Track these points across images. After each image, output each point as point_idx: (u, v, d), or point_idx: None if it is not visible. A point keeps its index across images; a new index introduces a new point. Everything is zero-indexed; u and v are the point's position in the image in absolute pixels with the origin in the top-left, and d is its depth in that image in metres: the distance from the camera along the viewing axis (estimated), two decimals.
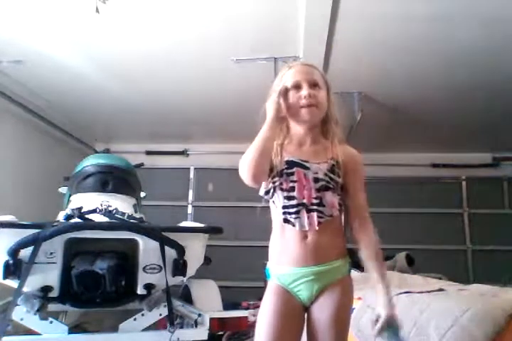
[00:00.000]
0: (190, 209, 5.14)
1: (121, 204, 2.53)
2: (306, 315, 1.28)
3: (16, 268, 1.86)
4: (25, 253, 1.87)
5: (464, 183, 5.14)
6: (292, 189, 1.28)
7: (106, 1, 2.25)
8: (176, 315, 2.41)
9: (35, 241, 1.87)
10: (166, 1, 2.43)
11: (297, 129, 1.35)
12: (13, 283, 1.90)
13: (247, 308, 3.51)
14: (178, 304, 2.48)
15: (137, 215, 2.57)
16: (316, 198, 1.26)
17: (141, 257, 2.09)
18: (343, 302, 1.26)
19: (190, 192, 5.19)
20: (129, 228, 2.09)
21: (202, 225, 2.41)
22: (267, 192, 1.34)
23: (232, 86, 3.54)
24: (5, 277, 1.87)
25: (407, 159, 4.99)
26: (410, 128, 4.26)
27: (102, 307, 2.27)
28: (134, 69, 3.28)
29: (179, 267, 2.09)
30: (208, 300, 2.61)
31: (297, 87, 1.31)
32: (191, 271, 2.18)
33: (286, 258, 1.29)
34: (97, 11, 2.23)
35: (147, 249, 2.08)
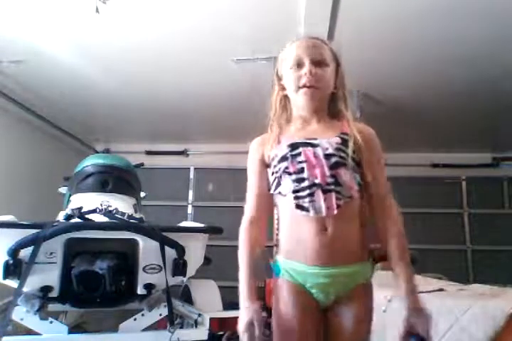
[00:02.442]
0: (190, 209, 5.14)
1: (121, 204, 2.53)
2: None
3: (15, 268, 1.86)
4: (25, 253, 1.87)
5: (464, 183, 5.15)
6: (301, 170, 1.10)
7: (106, 1, 2.25)
8: (176, 315, 2.40)
9: (35, 241, 1.86)
10: (165, 0, 2.43)
11: (300, 111, 1.22)
12: (13, 283, 1.90)
13: None
14: (178, 304, 2.48)
15: (137, 215, 2.57)
16: (330, 176, 1.08)
17: (141, 257, 2.09)
18: (364, 314, 1.12)
19: (190, 192, 5.19)
20: (129, 228, 2.09)
21: (202, 225, 2.41)
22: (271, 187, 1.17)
23: (232, 86, 3.54)
24: (5, 277, 1.87)
25: (407, 159, 4.99)
26: (410, 128, 4.26)
27: (102, 307, 2.27)
28: (134, 69, 3.28)
29: (179, 267, 2.09)
30: (208, 300, 2.61)
31: (299, 64, 1.17)
32: (191, 271, 2.18)
33: (301, 253, 1.11)
34: (97, 10, 2.23)
35: (147, 249, 2.08)
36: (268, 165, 1.20)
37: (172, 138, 5.03)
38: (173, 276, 2.10)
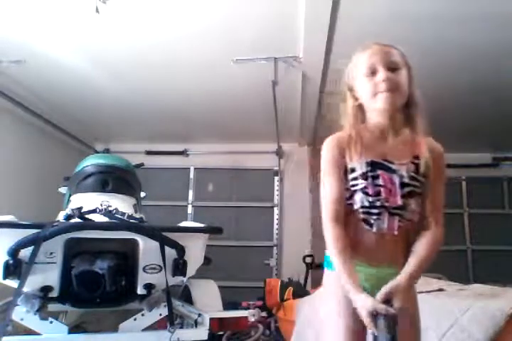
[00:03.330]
0: (190, 209, 5.13)
1: (121, 204, 2.53)
2: None
3: (15, 268, 1.86)
4: (25, 253, 1.87)
5: (464, 183, 5.14)
6: (378, 193, 1.18)
7: (106, 1, 2.25)
8: (176, 315, 2.41)
9: (35, 241, 1.86)
10: (165, 4, 2.43)
11: (376, 118, 1.23)
12: (13, 283, 1.90)
13: (247, 308, 3.51)
14: (178, 304, 2.48)
15: (137, 215, 2.57)
16: (402, 203, 1.18)
17: (141, 257, 2.09)
18: (415, 315, 1.22)
19: (190, 192, 5.18)
20: (129, 228, 2.09)
21: (202, 225, 2.41)
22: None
23: (232, 86, 3.54)
24: (5, 277, 1.87)
25: None
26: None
27: (102, 307, 2.27)
28: (134, 69, 3.28)
29: (179, 267, 2.09)
30: (208, 300, 2.61)
31: (373, 71, 1.19)
32: (191, 271, 2.18)
33: (356, 253, 1.19)
34: (97, 11, 2.23)
35: (147, 249, 2.08)
36: (345, 171, 1.23)
37: (172, 138, 5.03)
38: (173, 276, 2.10)
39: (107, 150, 5.13)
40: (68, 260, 2.02)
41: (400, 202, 1.18)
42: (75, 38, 2.81)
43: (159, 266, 2.06)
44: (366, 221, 1.20)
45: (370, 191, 1.18)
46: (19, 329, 2.04)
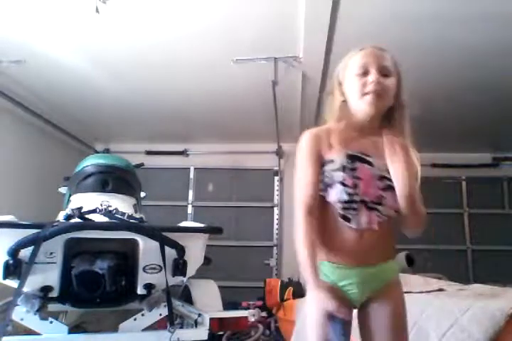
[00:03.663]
0: (190, 209, 5.13)
1: (121, 204, 2.53)
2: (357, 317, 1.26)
3: (15, 268, 1.86)
4: (25, 253, 1.87)
5: (464, 183, 5.14)
6: (355, 186, 1.18)
7: (106, 1, 2.25)
8: (176, 315, 2.41)
9: (35, 241, 1.86)
10: (165, 4, 2.43)
11: (359, 116, 1.26)
12: (13, 283, 1.90)
13: (247, 308, 3.51)
14: (178, 304, 2.49)
15: (137, 215, 2.57)
16: (378, 197, 1.20)
17: (141, 257, 2.09)
18: (400, 308, 1.24)
19: (190, 192, 5.18)
20: (129, 228, 2.09)
21: (202, 225, 2.41)
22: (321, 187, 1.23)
23: (232, 86, 3.54)
24: (5, 277, 1.87)
25: None
26: (410, 127, 4.25)
27: (102, 307, 2.27)
28: (134, 69, 3.28)
29: (179, 267, 2.09)
30: (208, 300, 2.61)
31: (365, 71, 1.21)
32: (191, 271, 2.18)
33: (337, 254, 1.21)
34: (97, 11, 2.23)
35: (147, 249, 2.08)
36: (322, 164, 1.24)
37: (172, 138, 5.03)
38: (173, 276, 2.10)
39: (107, 150, 5.13)
40: (68, 260, 2.02)
41: (378, 195, 1.19)
42: (75, 38, 2.81)
43: (159, 266, 2.06)
44: (345, 216, 1.19)
45: (348, 182, 1.18)
46: (19, 329, 2.04)
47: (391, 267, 1.27)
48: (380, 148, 1.24)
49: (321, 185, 1.23)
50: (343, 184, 1.19)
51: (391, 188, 1.20)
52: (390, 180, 1.20)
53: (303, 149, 1.27)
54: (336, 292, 1.17)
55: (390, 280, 1.25)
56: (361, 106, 1.23)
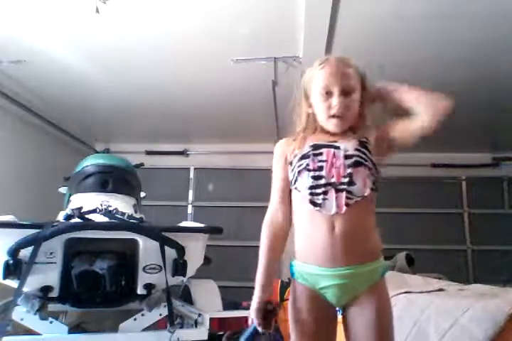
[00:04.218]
0: (190, 209, 5.13)
1: (121, 204, 2.53)
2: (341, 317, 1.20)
3: (15, 268, 1.86)
4: (25, 253, 1.87)
5: (463, 183, 5.14)
6: (320, 168, 1.16)
7: (106, 1, 2.25)
8: (176, 315, 2.40)
9: (35, 241, 1.87)
10: (166, 2, 2.43)
11: (326, 129, 1.26)
12: (13, 283, 1.90)
13: (247, 308, 3.50)
14: (178, 304, 2.48)
15: (137, 215, 2.57)
16: (345, 176, 1.14)
17: (141, 257, 2.09)
18: (383, 312, 1.14)
19: (190, 192, 5.18)
20: (129, 228, 2.09)
21: (202, 225, 2.41)
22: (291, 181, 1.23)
23: (231, 86, 3.54)
24: (5, 277, 1.87)
25: (407, 159, 4.98)
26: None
27: (102, 307, 2.27)
28: (134, 70, 3.28)
29: (179, 267, 2.09)
30: (208, 300, 2.61)
31: (328, 92, 1.21)
32: (191, 271, 2.18)
33: (311, 254, 1.16)
34: (97, 11, 2.23)
35: (147, 249, 2.08)
36: (290, 163, 1.25)
37: (172, 138, 5.03)
38: (173, 276, 2.10)
39: (107, 150, 5.13)
40: (68, 260, 2.02)
41: (346, 173, 1.14)
42: (75, 37, 2.81)
43: (159, 266, 2.07)
44: (313, 202, 1.14)
45: (311, 166, 1.17)
46: (19, 329, 2.04)
47: (374, 268, 1.16)
48: (349, 137, 1.23)
49: (292, 180, 1.22)
50: (308, 169, 1.17)
51: (360, 164, 1.16)
52: (358, 156, 1.17)
53: (273, 158, 1.33)
54: (315, 299, 1.16)
55: (373, 282, 1.15)
56: (327, 126, 1.24)
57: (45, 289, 1.97)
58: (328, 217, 1.13)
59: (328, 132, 1.26)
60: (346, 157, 1.16)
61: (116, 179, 2.61)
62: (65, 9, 2.49)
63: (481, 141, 4.76)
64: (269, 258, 1.21)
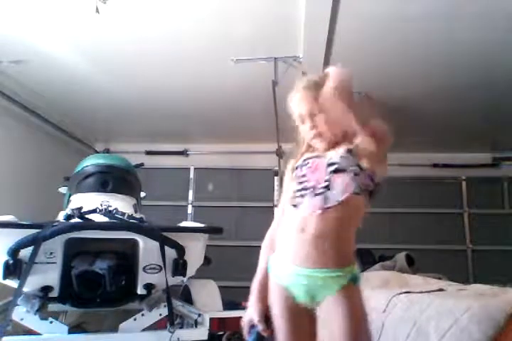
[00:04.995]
0: (190, 209, 5.14)
1: (121, 204, 2.53)
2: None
3: (15, 268, 1.86)
4: (25, 253, 1.87)
5: (463, 183, 5.14)
6: (304, 175, 1.24)
7: (106, 1, 2.25)
8: (176, 315, 2.41)
9: (35, 241, 1.87)
10: (166, 2, 2.43)
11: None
12: (13, 283, 1.90)
13: (247, 308, 3.50)
14: (178, 304, 2.48)
15: (137, 215, 2.57)
16: (325, 182, 1.19)
17: (141, 257, 2.09)
18: (346, 318, 1.11)
19: (190, 192, 5.18)
20: (129, 228, 2.09)
21: (202, 225, 2.41)
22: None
23: (232, 86, 3.54)
24: (5, 277, 1.87)
25: (407, 159, 4.99)
26: (410, 128, 4.26)
27: (102, 307, 2.28)
28: (134, 70, 3.28)
29: (179, 267, 2.09)
30: (208, 300, 2.61)
31: (302, 120, 1.30)
32: (191, 271, 2.19)
33: (283, 252, 1.22)
34: (97, 11, 2.23)
35: (147, 249, 2.08)
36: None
37: (172, 138, 5.03)
38: (173, 276, 2.11)
39: (107, 150, 5.13)
40: (68, 260, 2.02)
41: (326, 178, 1.19)
42: (75, 37, 2.81)
43: (159, 266, 2.07)
44: (293, 204, 1.24)
45: (299, 173, 1.26)
46: (19, 329, 2.04)
47: (339, 275, 1.14)
48: (339, 148, 1.25)
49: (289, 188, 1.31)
50: (297, 176, 1.26)
51: (342, 171, 1.18)
52: (339, 163, 1.19)
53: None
54: (286, 296, 1.19)
55: (338, 289, 1.13)
56: (314, 145, 1.30)
57: (45, 289, 1.97)
58: (302, 219, 1.19)
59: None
60: (329, 165, 1.21)
61: (116, 179, 2.61)
62: (65, 9, 2.49)
63: (481, 141, 4.76)
64: (265, 260, 1.30)
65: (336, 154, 1.22)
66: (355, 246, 1.22)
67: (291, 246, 1.19)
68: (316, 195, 1.18)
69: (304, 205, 1.19)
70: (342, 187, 1.17)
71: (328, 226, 1.16)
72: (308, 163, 1.26)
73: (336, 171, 1.19)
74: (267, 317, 1.23)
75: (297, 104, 1.31)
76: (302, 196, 1.21)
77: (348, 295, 1.14)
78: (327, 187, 1.18)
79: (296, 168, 1.29)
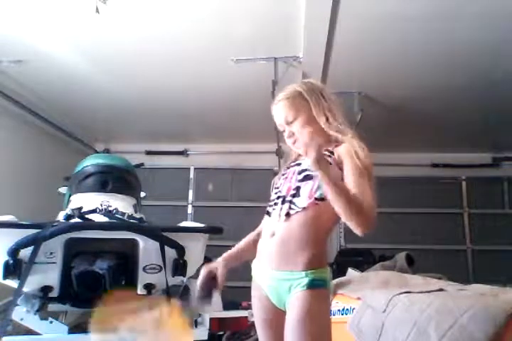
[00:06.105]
0: (190, 209, 5.14)
1: (121, 204, 2.53)
2: None
3: (15, 268, 1.86)
4: (25, 253, 1.87)
5: (463, 183, 5.14)
6: (281, 184, 1.32)
7: (106, 1, 2.25)
8: None
9: (35, 241, 1.87)
10: (166, 2, 2.43)
11: None
12: (13, 283, 1.90)
13: (247, 308, 3.51)
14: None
15: (137, 215, 2.57)
16: (294, 189, 1.24)
17: (141, 257, 2.09)
18: (300, 321, 1.10)
19: (190, 192, 5.19)
20: (129, 228, 2.09)
21: (202, 225, 2.41)
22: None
23: (232, 86, 3.54)
24: (5, 277, 1.87)
25: (407, 159, 4.99)
26: (410, 128, 4.26)
27: None
28: (134, 70, 3.28)
29: (179, 267, 2.09)
30: None
31: (282, 129, 1.38)
32: (191, 271, 2.18)
33: (259, 255, 1.30)
34: (97, 11, 2.23)
35: (147, 249, 2.08)
36: None
37: (172, 138, 5.03)
38: (173, 276, 2.10)
39: (107, 150, 5.13)
40: (68, 260, 2.02)
41: (295, 186, 1.24)
42: (75, 38, 2.81)
43: (159, 266, 2.07)
44: (267, 212, 1.32)
45: (277, 184, 1.35)
46: (19, 329, 2.04)
47: (300, 277, 1.14)
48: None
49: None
50: (274, 187, 1.36)
51: (310, 178, 1.22)
52: (310, 170, 1.21)
53: None
54: (261, 296, 1.26)
55: (298, 291, 1.13)
56: (299, 152, 1.36)
57: (45, 289, 1.97)
58: (273, 225, 1.25)
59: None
60: (299, 172, 1.26)
61: (116, 179, 2.61)
62: (65, 9, 2.50)
63: (481, 141, 4.76)
64: (247, 241, 1.43)
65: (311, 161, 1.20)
66: (326, 249, 1.24)
67: (264, 250, 1.27)
68: (284, 202, 1.25)
69: (275, 212, 1.26)
70: (308, 193, 1.21)
71: (292, 230, 1.20)
72: (285, 173, 1.33)
73: (305, 178, 1.23)
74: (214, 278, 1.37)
75: (275, 114, 1.40)
76: (275, 204, 1.28)
77: (305, 298, 1.12)
78: (295, 195, 1.23)
79: (279, 179, 1.36)
